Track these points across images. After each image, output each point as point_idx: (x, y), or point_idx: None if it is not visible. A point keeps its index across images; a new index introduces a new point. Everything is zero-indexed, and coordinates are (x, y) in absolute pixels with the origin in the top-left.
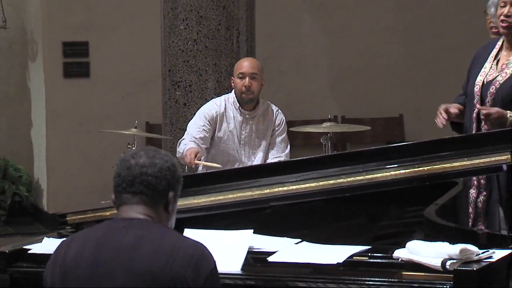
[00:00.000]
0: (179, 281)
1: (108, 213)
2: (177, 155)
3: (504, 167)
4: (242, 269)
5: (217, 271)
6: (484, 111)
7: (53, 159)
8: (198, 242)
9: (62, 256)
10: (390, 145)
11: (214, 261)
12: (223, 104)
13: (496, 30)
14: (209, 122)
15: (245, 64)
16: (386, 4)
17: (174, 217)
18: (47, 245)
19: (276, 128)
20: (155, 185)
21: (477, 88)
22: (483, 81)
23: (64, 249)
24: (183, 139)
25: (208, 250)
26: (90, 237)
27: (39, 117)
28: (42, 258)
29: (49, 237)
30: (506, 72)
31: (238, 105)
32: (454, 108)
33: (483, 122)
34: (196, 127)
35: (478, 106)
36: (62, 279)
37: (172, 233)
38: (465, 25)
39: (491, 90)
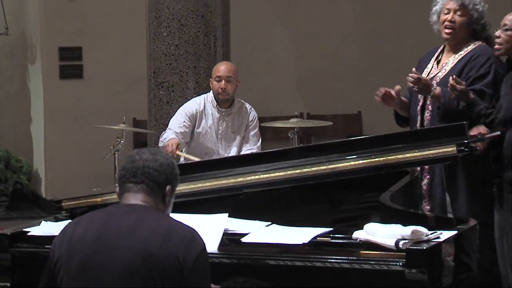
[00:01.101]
0: (172, 259)
1: (99, 199)
2: (159, 145)
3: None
4: (218, 249)
5: (206, 252)
6: (451, 82)
7: (51, 151)
8: (190, 226)
9: (70, 233)
10: (350, 139)
11: (204, 244)
12: (202, 103)
13: None
14: (189, 118)
15: (222, 68)
16: (346, 13)
17: (170, 209)
18: (45, 228)
19: (249, 124)
20: (155, 177)
21: None
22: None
23: (72, 227)
24: (165, 132)
25: (198, 234)
26: (96, 218)
27: (38, 113)
28: (40, 239)
29: (46, 221)
30: (445, 69)
31: (215, 103)
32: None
33: (425, 113)
34: (177, 123)
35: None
36: (68, 253)
37: (167, 218)
38: (413, 32)
39: None
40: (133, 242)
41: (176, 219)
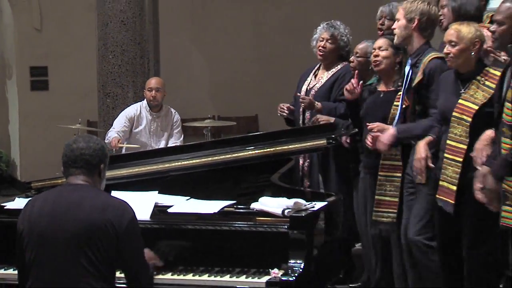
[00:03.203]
0: (108, 226)
1: (60, 181)
2: (105, 141)
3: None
4: (150, 217)
5: (136, 220)
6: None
7: (24, 145)
8: (123, 200)
9: (29, 211)
10: (249, 134)
11: (134, 213)
12: (139, 108)
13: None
14: (129, 120)
15: (153, 82)
16: (246, 41)
17: (105, 181)
18: (18, 203)
19: (174, 124)
20: (91, 161)
21: (302, 93)
22: (306, 88)
23: (30, 205)
24: (110, 130)
25: (130, 206)
26: (48, 197)
27: (14, 117)
28: (14, 211)
29: (19, 198)
30: (321, 82)
31: (148, 108)
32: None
33: (306, 113)
34: (119, 123)
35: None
36: (29, 227)
37: (104, 194)
38: (295, 55)
39: (312, 93)
40: (78, 215)
41: (117, 195)
